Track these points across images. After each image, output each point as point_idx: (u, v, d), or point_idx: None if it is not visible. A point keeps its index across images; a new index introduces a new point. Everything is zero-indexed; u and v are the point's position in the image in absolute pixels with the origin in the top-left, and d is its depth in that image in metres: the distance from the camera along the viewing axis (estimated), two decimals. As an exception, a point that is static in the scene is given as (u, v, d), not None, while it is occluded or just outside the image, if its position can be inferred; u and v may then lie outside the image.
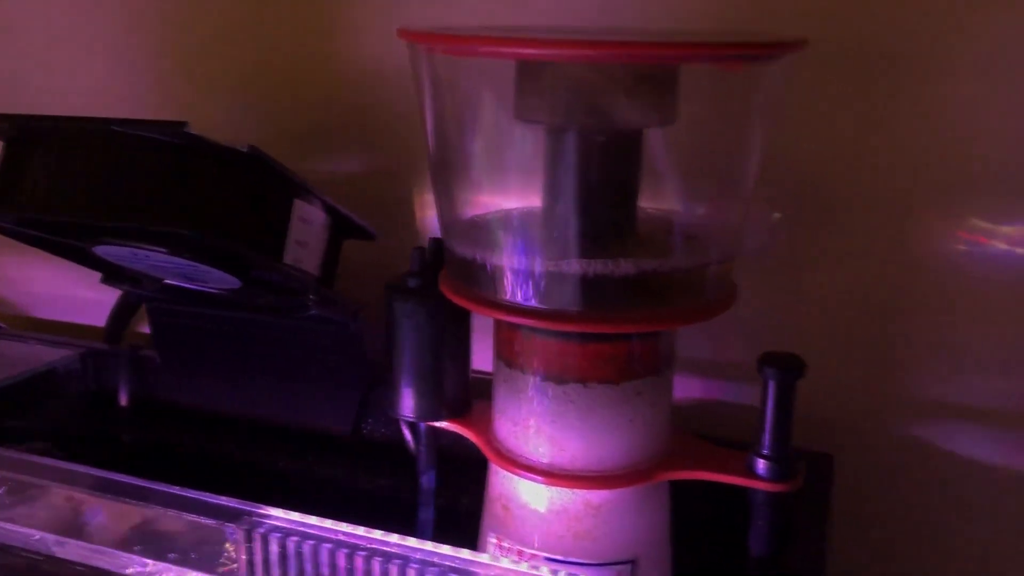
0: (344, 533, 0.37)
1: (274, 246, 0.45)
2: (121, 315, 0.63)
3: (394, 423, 0.53)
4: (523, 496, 0.38)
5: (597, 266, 0.34)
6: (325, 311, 0.50)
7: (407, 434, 0.51)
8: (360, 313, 0.51)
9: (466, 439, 0.42)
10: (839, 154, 0.47)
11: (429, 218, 0.56)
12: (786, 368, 0.36)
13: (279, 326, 0.53)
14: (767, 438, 0.36)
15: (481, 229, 0.37)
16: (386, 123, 0.55)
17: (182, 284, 0.52)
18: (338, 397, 0.54)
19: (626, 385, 0.36)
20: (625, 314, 0.35)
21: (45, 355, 0.63)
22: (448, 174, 0.38)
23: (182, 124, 0.41)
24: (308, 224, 0.47)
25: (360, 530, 0.37)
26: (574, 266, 0.35)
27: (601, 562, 0.37)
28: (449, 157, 0.37)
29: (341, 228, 0.50)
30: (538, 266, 0.35)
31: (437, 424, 0.42)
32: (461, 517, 0.47)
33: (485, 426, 0.41)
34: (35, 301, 0.72)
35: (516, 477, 0.38)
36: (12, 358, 0.63)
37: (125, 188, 0.42)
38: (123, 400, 0.60)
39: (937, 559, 0.50)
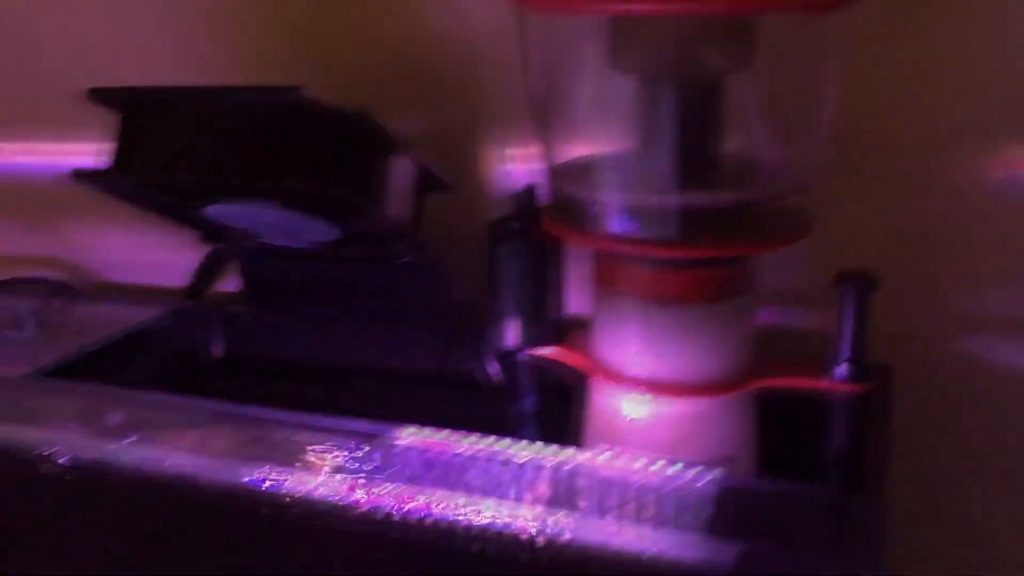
0: (465, 444, 0.41)
1: (378, 199, 0.49)
2: (206, 273, 0.67)
3: (479, 360, 0.57)
4: (627, 409, 0.43)
5: (690, 198, 0.39)
6: (416, 258, 0.54)
7: (493, 368, 0.56)
8: (445, 258, 0.55)
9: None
10: (884, 89, 0.51)
11: (487, 171, 0.60)
12: (862, 282, 0.40)
13: (368, 275, 0.57)
14: (846, 345, 0.41)
15: (584, 170, 0.41)
16: (445, 81, 0.59)
17: (279, 242, 0.55)
18: (424, 339, 0.59)
19: (720, 305, 0.41)
20: (717, 241, 0.39)
21: (134, 315, 0.67)
22: (550, 121, 0.42)
23: (296, 89, 0.44)
24: (403, 178, 0.51)
25: (489, 439, 0.41)
26: (670, 199, 0.39)
27: (701, 462, 0.42)
28: (550, 105, 0.41)
29: (424, 182, 0.54)
30: (638, 200, 0.39)
31: (539, 352, 0.47)
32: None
33: (584, 349, 0.45)
34: (109, 266, 0.76)
35: (620, 392, 0.43)
36: (102, 319, 0.67)
37: (244, 149, 0.46)
38: (216, 353, 0.64)
39: (984, 460, 0.55)
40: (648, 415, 0.43)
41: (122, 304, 0.68)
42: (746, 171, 0.41)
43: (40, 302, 0.66)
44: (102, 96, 0.49)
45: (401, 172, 0.51)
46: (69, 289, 0.70)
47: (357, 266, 0.57)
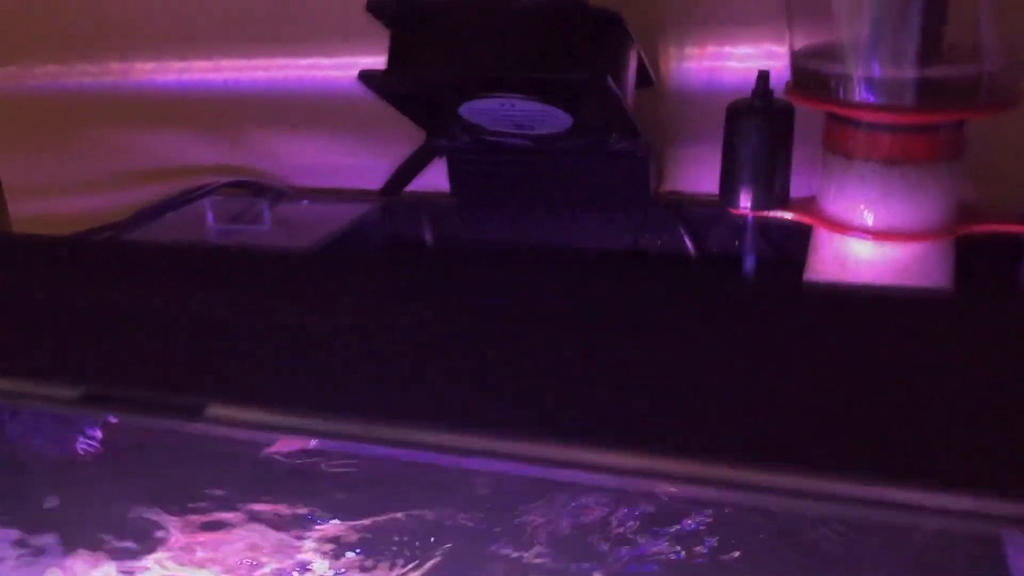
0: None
1: (623, 91, 0.57)
2: (408, 171, 0.75)
3: (671, 236, 0.66)
4: (856, 255, 0.52)
5: (928, 72, 0.47)
6: (630, 146, 0.62)
7: (688, 240, 0.65)
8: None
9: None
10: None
11: (670, 69, 0.68)
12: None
13: (574, 164, 0.65)
14: (1045, 193, 0.50)
15: (832, 51, 0.50)
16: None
17: (510, 141, 0.63)
18: (621, 218, 0.67)
19: (943, 164, 0.50)
20: (950, 108, 0.48)
21: (343, 212, 0.75)
22: (802, 9, 0.50)
23: (576, -8, 0.52)
24: (632, 71, 0.59)
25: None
26: (911, 72, 0.47)
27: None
28: None
29: (639, 75, 0.62)
30: (881, 73, 0.48)
31: (771, 213, 0.56)
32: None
33: (811, 209, 0.54)
34: (296, 171, 0.83)
35: (852, 241, 0.52)
36: (314, 216, 0.75)
37: (518, 46, 0.54)
38: (427, 240, 0.72)
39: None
40: (874, 259, 0.52)
41: (327, 203, 0.76)
42: (971, 50, 0.49)
43: (263, 201, 0.74)
44: (378, 8, 0.56)
45: (633, 68, 0.59)
46: (277, 191, 0.78)
47: (565, 156, 0.64)
